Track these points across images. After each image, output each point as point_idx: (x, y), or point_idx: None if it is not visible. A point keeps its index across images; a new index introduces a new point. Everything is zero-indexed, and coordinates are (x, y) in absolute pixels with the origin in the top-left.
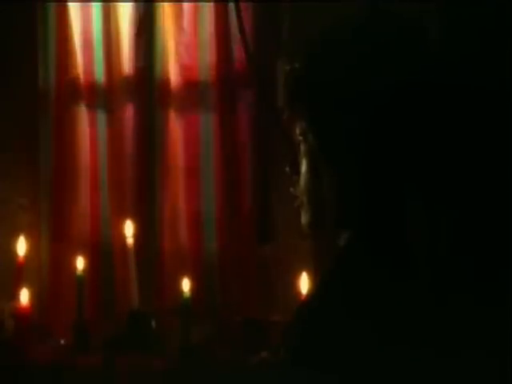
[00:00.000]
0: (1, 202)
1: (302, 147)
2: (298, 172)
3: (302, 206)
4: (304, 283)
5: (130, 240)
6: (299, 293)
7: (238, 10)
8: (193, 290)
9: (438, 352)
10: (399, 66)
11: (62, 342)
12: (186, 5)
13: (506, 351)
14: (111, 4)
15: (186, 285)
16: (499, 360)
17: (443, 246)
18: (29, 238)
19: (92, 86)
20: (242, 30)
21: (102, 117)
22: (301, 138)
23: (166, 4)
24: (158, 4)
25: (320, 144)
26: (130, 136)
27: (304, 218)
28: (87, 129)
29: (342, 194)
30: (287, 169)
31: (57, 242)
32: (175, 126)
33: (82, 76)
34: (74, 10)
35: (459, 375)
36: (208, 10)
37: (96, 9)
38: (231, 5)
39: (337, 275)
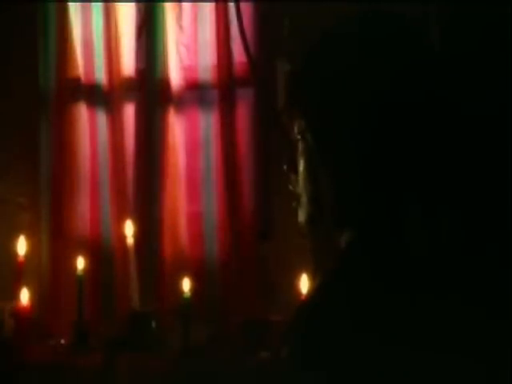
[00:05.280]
0: (1, 202)
1: (300, 146)
2: (295, 170)
3: (299, 205)
4: (304, 283)
5: (130, 240)
6: (299, 293)
7: (238, 10)
8: (193, 290)
9: (438, 352)
10: (399, 67)
11: (62, 341)
12: (185, 5)
13: (507, 352)
14: (111, 4)
15: (186, 285)
16: (500, 359)
17: (443, 246)
18: (29, 237)
19: (92, 86)
20: (241, 30)
21: (102, 117)
22: (299, 136)
23: (165, 4)
24: (157, 4)
25: (318, 143)
26: (130, 136)
27: (301, 216)
28: (87, 129)
29: (340, 194)
30: (285, 167)
31: (57, 242)
32: (175, 126)
33: (82, 76)
34: (73, 9)
35: (460, 374)
36: (208, 10)
37: (96, 9)
38: (231, 5)
39: (337, 275)
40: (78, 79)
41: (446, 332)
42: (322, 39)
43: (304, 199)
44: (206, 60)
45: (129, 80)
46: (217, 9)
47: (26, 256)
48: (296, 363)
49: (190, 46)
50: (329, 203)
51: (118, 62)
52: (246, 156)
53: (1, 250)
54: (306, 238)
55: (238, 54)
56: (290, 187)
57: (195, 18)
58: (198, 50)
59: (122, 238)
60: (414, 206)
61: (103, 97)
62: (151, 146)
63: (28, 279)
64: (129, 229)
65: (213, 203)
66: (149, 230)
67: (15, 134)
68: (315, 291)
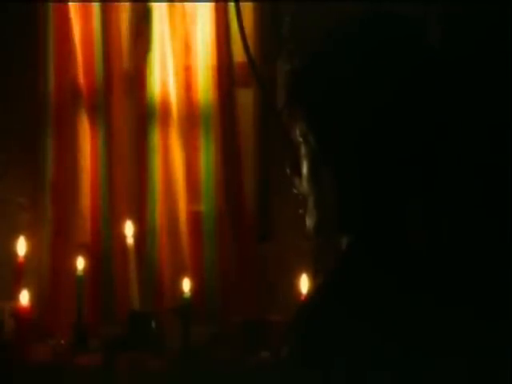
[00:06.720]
0: (1, 202)
1: (303, 149)
2: (299, 174)
3: (305, 210)
4: (304, 283)
5: (130, 240)
6: (299, 293)
7: (238, 10)
8: (193, 290)
9: (438, 352)
10: (400, 67)
11: (62, 341)
12: (186, 5)
13: (507, 353)
14: (111, 4)
15: (186, 285)
16: (501, 361)
17: (444, 247)
18: (29, 238)
19: (92, 86)
20: (241, 30)
21: (101, 117)
22: (301, 139)
23: (165, 4)
24: (157, 4)
25: (320, 146)
26: (130, 136)
27: (309, 222)
28: (87, 129)
29: (342, 196)
30: (288, 170)
31: (57, 242)
32: (175, 126)
33: (82, 76)
34: (74, 10)
35: (460, 374)
36: (208, 10)
37: (96, 9)
38: (231, 5)
39: (338, 275)
40: (77, 79)
41: (447, 332)
42: (325, 40)
43: (310, 204)
44: (206, 60)
45: (128, 80)
46: (217, 9)
47: (26, 256)
48: (296, 363)
49: (189, 45)
50: (332, 205)
51: (118, 62)
52: (246, 156)
53: (1, 250)
54: (312, 241)
55: (238, 54)
56: (294, 190)
57: (195, 18)
58: (198, 50)
59: (122, 237)
60: (415, 207)
61: (103, 97)
62: (151, 145)
63: (28, 279)
64: (129, 229)
65: (213, 203)
66: (148, 230)
67: (15, 134)
68: (315, 291)
